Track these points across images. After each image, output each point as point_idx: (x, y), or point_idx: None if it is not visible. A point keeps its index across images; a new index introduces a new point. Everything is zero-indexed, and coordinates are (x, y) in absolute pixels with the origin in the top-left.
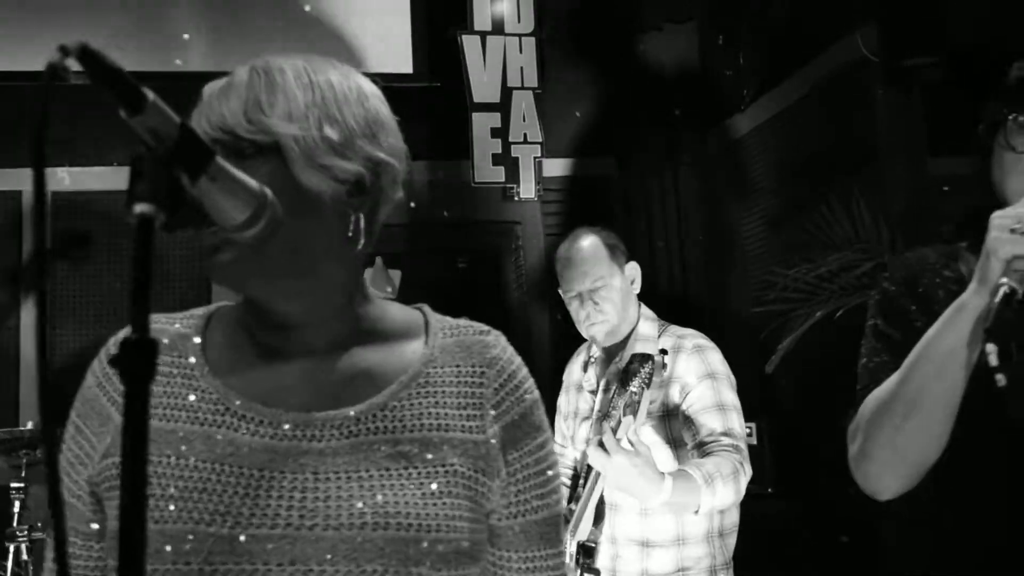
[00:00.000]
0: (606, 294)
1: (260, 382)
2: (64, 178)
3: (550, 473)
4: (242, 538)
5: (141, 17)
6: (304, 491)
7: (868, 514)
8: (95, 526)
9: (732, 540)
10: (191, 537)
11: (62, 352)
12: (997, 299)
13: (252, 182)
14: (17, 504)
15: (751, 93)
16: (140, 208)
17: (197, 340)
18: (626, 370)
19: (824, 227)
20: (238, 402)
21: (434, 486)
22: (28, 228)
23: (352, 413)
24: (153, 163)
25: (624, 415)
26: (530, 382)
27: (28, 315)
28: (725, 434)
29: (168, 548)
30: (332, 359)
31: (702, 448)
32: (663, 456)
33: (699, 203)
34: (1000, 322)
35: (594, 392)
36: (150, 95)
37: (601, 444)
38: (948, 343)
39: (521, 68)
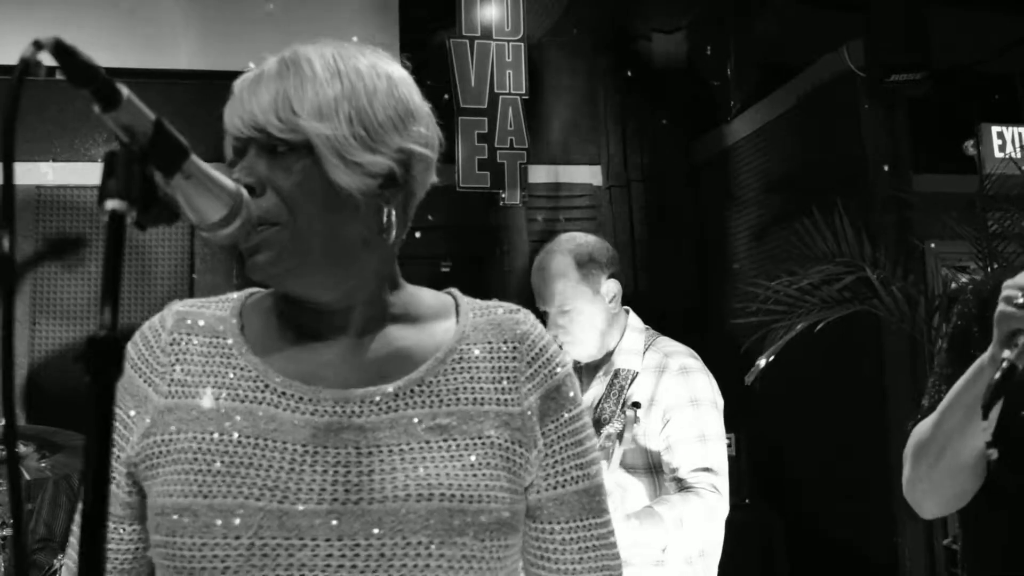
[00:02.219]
0: (571, 317)
1: (298, 361)
2: (47, 173)
3: (587, 444)
4: (291, 513)
5: (126, 13)
6: (348, 466)
7: (845, 524)
8: (128, 509)
9: (714, 561)
10: (241, 511)
11: (43, 349)
12: (996, 376)
13: (228, 181)
14: None
15: (738, 104)
16: (112, 204)
17: (234, 321)
18: (601, 405)
19: (807, 239)
20: (278, 379)
21: (473, 458)
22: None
23: (390, 389)
24: (126, 160)
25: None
26: (561, 356)
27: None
28: (705, 469)
29: (219, 522)
30: (367, 339)
31: (680, 483)
32: (639, 484)
33: (683, 213)
34: (999, 394)
35: None
36: (125, 91)
37: None
38: (970, 399)
39: (509, 74)
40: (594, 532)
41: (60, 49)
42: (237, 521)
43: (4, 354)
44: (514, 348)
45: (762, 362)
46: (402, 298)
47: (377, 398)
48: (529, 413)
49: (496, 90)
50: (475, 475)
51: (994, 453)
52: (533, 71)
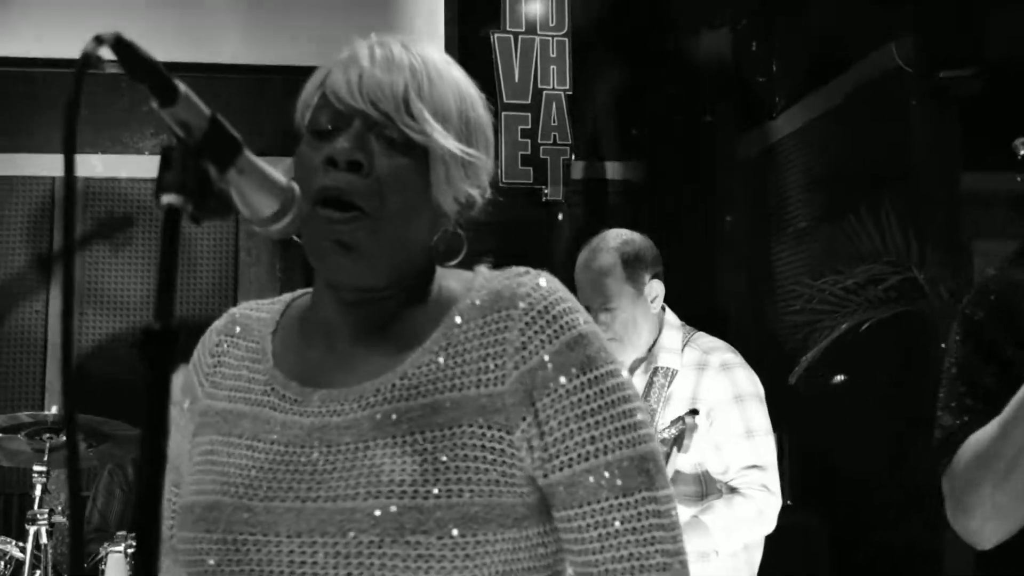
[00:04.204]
0: (616, 315)
1: (303, 363)
2: (96, 165)
3: (605, 413)
4: (255, 509)
5: (177, 7)
6: (315, 464)
7: (889, 526)
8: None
9: (758, 554)
10: (215, 508)
11: (89, 338)
12: None
13: (280, 177)
14: (39, 487)
15: (784, 101)
16: (168, 199)
17: (272, 325)
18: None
19: (853, 238)
20: (281, 382)
21: (441, 452)
22: (59, 214)
23: (371, 386)
24: (182, 154)
25: None
26: (569, 316)
27: (55, 300)
28: (754, 466)
29: (200, 520)
30: (373, 336)
31: (730, 485)
32: (682, 492)
33: (729, 210)
34: None
35: None
36: (182, 87)
37: None
38: None
39: (553, 69)
40: (618, 515)
41: (120, 44)
42: (212, 515)
43: (64, 342)
44: (507, 316)
45: (806, 361)
46: (425, 284)
47: (358, 395)
48: (514, 391)
49: (540, 85)
50: (437, 469)
51: None
52: (577, 66)
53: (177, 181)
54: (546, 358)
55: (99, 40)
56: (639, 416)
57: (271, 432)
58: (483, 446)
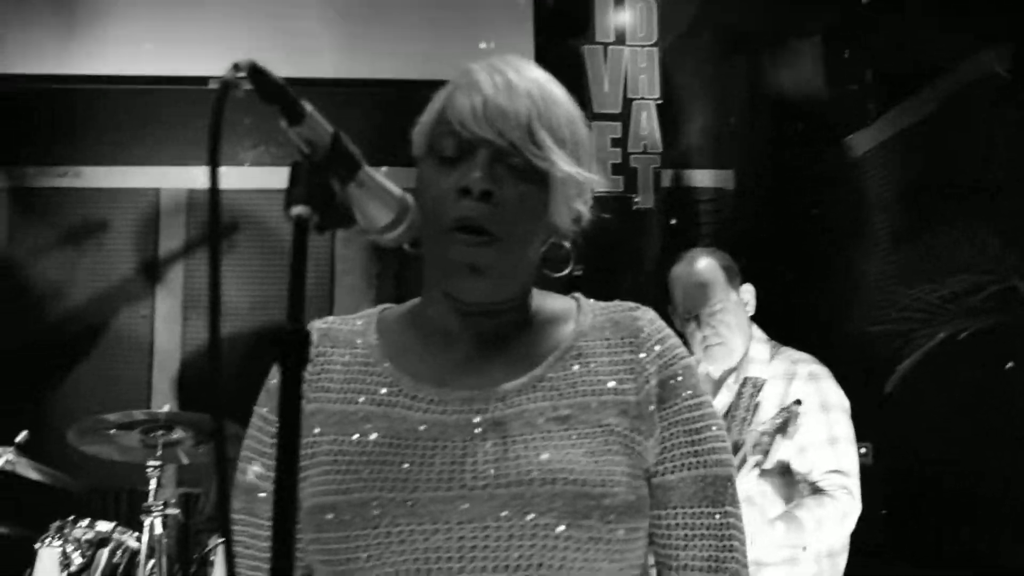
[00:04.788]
0: (723, 317)
1: (429, 366)
2: (199, 177)
3: (705, 434)
4: (421, 500)
5: (273, 22)
6: (474, 455)
7: (985, 543)
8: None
9: (842, 560)
10: (375, 503)
11: (193, 342)
12: None
13: (395, 188)
14: (153, 481)
15: (876, 109)
16: (297, 210)
17: (373, 334)
18: (731, 413)
19: (949, 248)
20: (410, 383)
21: (594, 445)
22: (164, 224)
23: (512, 386)
24: (308, 169)
25: (752, 453)
26: (681, 348)
27: (162, 304)
28: (836, 471)
29: (357, 518)
30: (495, 344)
31: (813, 486)
32: (771, 491)
33: (818, 219)
34: None
35: None
36: (308, 107)
37: None
38: None
39: (642, 79)
40: (713, 521)
41: (254, 71)
42: (374, 512)
43: (211, 343)
44: (631, 341)
45: (902, 370)
46: (532, 302)
47: (501, 395)
48: (647, 401)
49: (629, 95)
50: (596, 461)
51: None
52: (666, 75)
53: (304, 194)
54: (668, 379)
55: (236, 67)
56: (727, 443)
57: (412, 430)
58: (626, 445)
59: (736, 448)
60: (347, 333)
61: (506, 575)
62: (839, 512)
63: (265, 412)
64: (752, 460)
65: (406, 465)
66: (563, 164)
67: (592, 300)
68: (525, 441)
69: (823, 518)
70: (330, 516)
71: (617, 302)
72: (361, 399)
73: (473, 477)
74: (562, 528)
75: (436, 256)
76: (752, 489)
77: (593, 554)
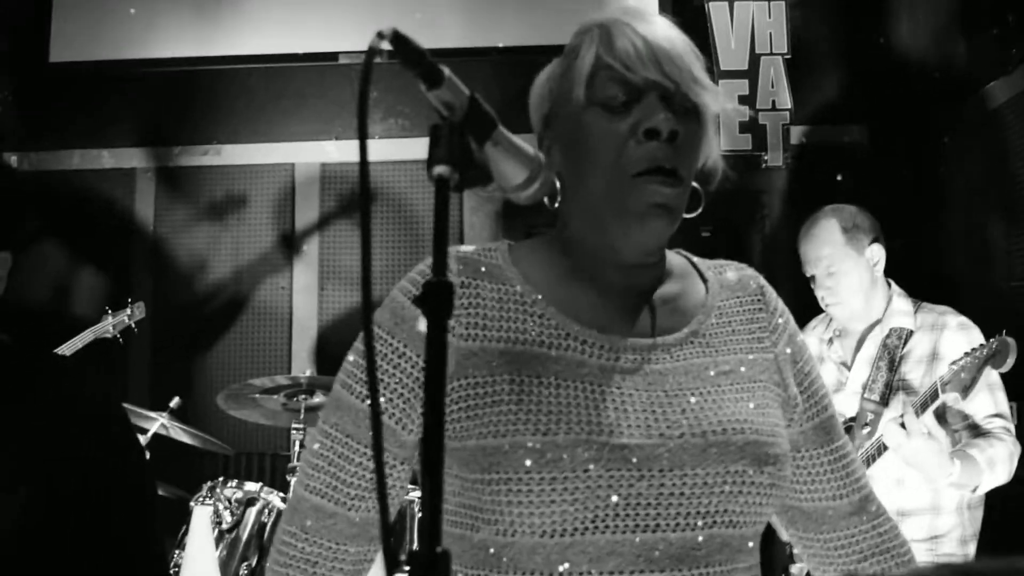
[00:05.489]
0: (838, 279)
1: (592, 312)
2: (332, 151)
3: (820, 383)
4: (630, 447)
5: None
6: (662, 406)
7: None
8: (400, 449)
9: (980, 513)
10: (586, 446)
11: (330, 311)
12: None
13: (528, 148)
14: (297, 443)
15: (1019, 55)
16: (439, 170)
17: (516, 270)
18: (876, 363)
19: None
20: (577, 328)
21: (758, 399)
22: (300, 198)
23: (674, 340)
24: (448, 131)
25: (946, 390)
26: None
27: (300, 276)
28: (997, 415)
29: (565, 456)
30: (648, 295)
31: (976, 429)
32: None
33: (954, 173)
34: None
35: (846, 365)
36: (446, 71)
37: (902, 424)
38: None
39: (770, 34)
40: (847, 450)
41: (397, 37)
42: (585, 455)
43: (364, 294)
44: (758, 300)
45: None
46: (665, 257)
47: (667, 347)
48: (783, 357)
49: (757, 51)
50: (763, 414)
51: None
52: (794, 29)
53: (444, 154)
54: (794, 334)
55: (380, 35)
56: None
57: (592, 375)
58: (775, 396)
59: (885, 394)
60: (491, 267)
61: (697, 520)
62: (1007, 452)
63: (398, 344)
64: (950, 396)
65: (604, 411)
66: (716, 102)
67: (698, 257)
68: (702, 395)
69: (994, 458)
70: (528, 461)
71: (721, 260)
72: (528, 339)
73: (668, 426)
74: (752, 474)
75: (616, 205)
76: (931, 423)
77: (766, 499)
